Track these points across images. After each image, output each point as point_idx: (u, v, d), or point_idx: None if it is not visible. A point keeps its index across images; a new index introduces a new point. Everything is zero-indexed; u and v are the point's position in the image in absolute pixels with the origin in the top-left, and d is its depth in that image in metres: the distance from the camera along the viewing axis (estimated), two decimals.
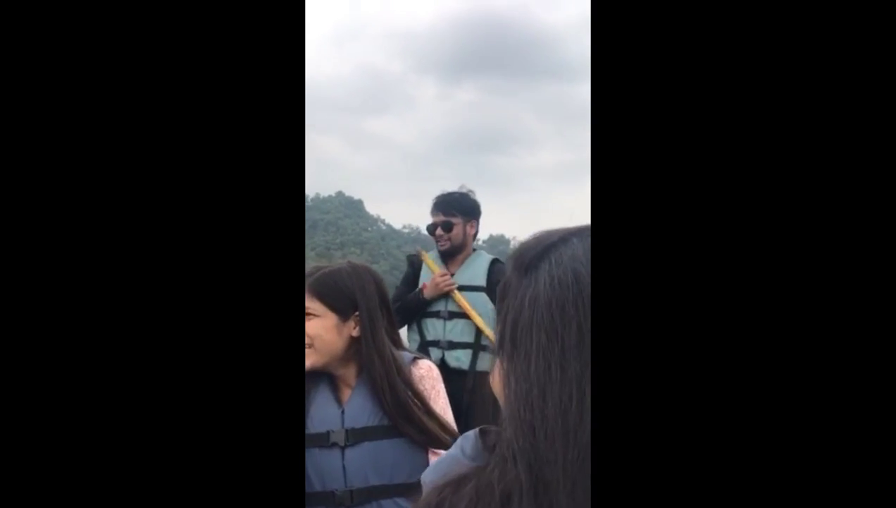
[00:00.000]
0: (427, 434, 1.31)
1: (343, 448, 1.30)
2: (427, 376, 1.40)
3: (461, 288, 2.60)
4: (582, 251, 0.54)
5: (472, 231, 2.72)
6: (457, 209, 2.66)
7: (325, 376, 1.37)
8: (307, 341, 1.31)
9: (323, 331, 1.33)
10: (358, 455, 1.30)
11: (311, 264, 1.43)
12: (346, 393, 1.36)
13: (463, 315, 2.57)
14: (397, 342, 1.44)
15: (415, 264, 2.75)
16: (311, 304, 1.33)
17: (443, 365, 2.55)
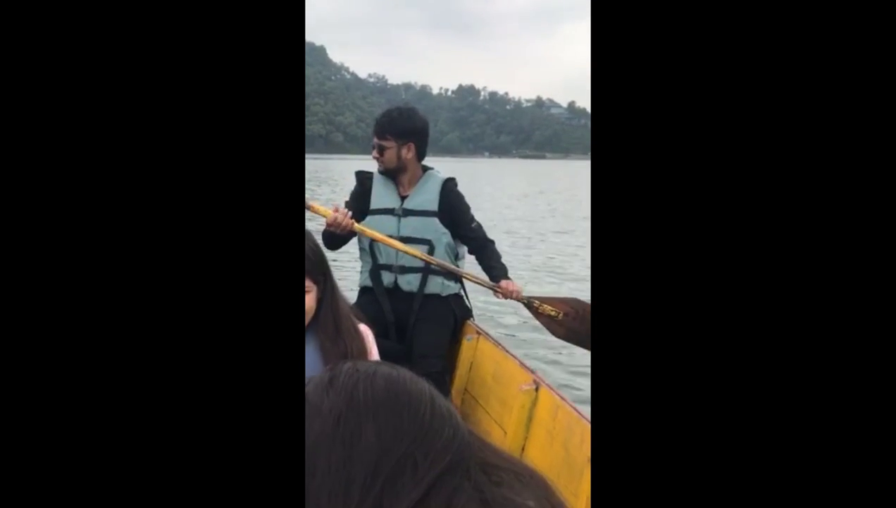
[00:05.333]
0: None
1: None
2: (366, 335, 1.59)
3: (412, 213, 2.58)
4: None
5: (410, 154, 2.59)
6: (391, 132, 2.57)
7: None
8: None
9: (311, 303, 1.51)
10: None
11: None
12: None
13: (414, 241, 2.55)
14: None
15: (364, 183, 2.66)
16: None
17: (396, 288, 2.61)
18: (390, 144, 2.59)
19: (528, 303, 2.57)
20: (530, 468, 0.58)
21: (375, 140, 2.62)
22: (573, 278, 7.24)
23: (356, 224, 2.49)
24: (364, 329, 1.60)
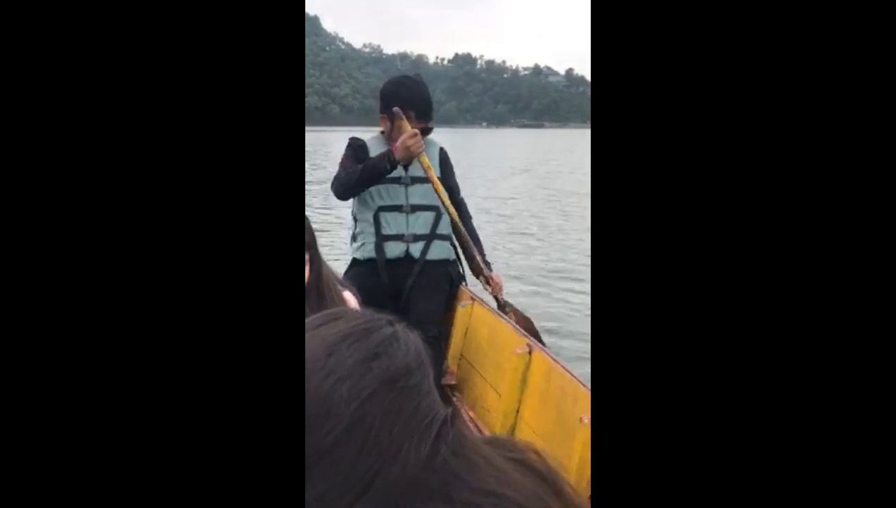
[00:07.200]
0: None
1: None
2: (349, 300, 1.62)
3: (419, 180, 2.59)
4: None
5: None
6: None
7: None
8: None
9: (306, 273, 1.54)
10: None
11: None
12: None
13: (423, 208, 2.59)
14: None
15: (360, 151, 2.64)
16: None
17: (407, 257, 2.60)
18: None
19: (503, 305, 2.68)
20: (516, 468, 0.52)
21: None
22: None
23: (424, 156, 2.51)
24: (348, 296, 1.62)
